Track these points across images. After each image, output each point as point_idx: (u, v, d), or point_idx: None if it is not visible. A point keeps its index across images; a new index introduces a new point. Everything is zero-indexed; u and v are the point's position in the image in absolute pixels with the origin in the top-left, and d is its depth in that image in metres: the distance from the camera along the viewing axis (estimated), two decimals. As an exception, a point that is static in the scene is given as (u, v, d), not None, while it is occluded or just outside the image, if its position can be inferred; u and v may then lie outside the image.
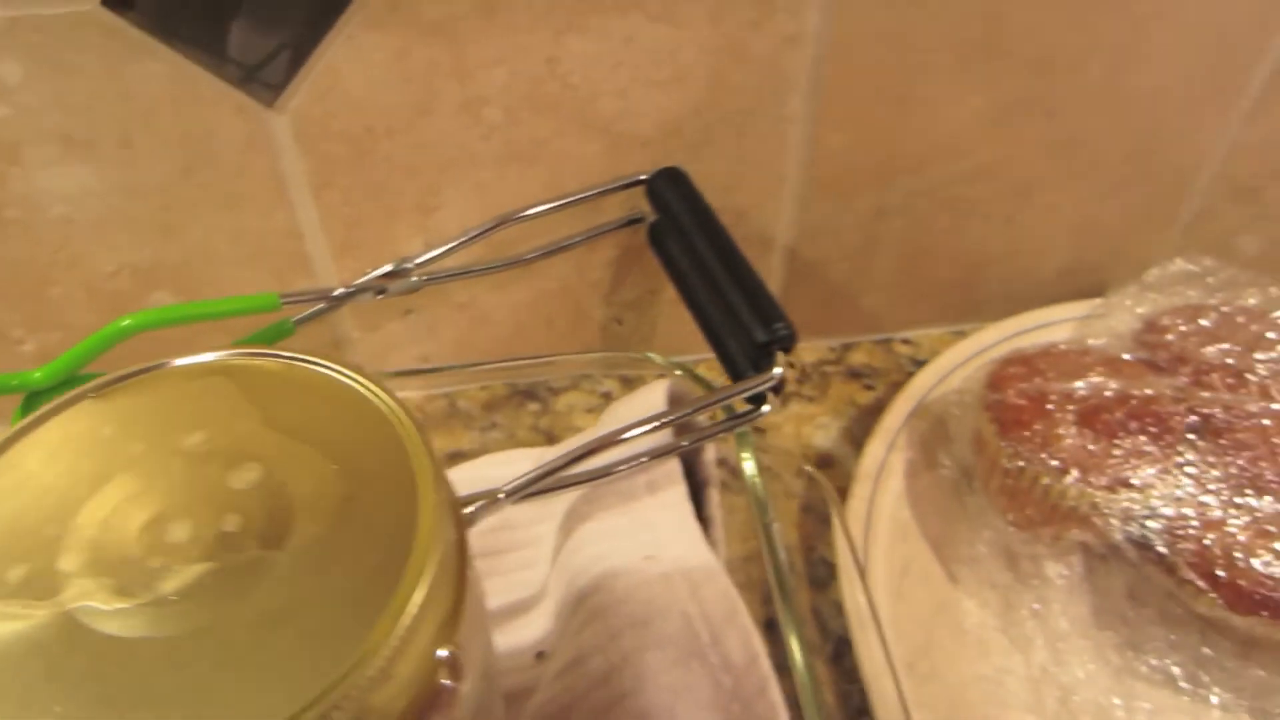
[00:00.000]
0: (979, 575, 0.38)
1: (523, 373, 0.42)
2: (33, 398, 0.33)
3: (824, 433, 0.44)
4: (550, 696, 0.31)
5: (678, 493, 0.33)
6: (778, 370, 0.32)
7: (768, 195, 0.41)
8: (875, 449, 0.40)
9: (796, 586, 0.37)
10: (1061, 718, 0.34)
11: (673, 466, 0.34)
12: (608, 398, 0.45)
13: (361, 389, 0.20)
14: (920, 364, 0.45)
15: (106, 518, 0.17)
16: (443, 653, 0.17)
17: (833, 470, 0.43)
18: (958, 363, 0.44)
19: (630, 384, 0.43)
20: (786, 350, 0.33)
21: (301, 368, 0.20)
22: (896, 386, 0.43)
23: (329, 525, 0.17)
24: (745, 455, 0.34)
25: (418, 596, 0.16)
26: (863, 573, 0.34)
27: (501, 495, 0.29)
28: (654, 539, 0.32)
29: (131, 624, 0.16)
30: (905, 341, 0.49)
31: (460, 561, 0.19)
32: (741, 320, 0.33)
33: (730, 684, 0.28)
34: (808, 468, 0.37)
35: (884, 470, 0.40)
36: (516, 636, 0.35)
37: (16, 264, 0.37)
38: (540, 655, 0.34)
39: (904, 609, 0.37)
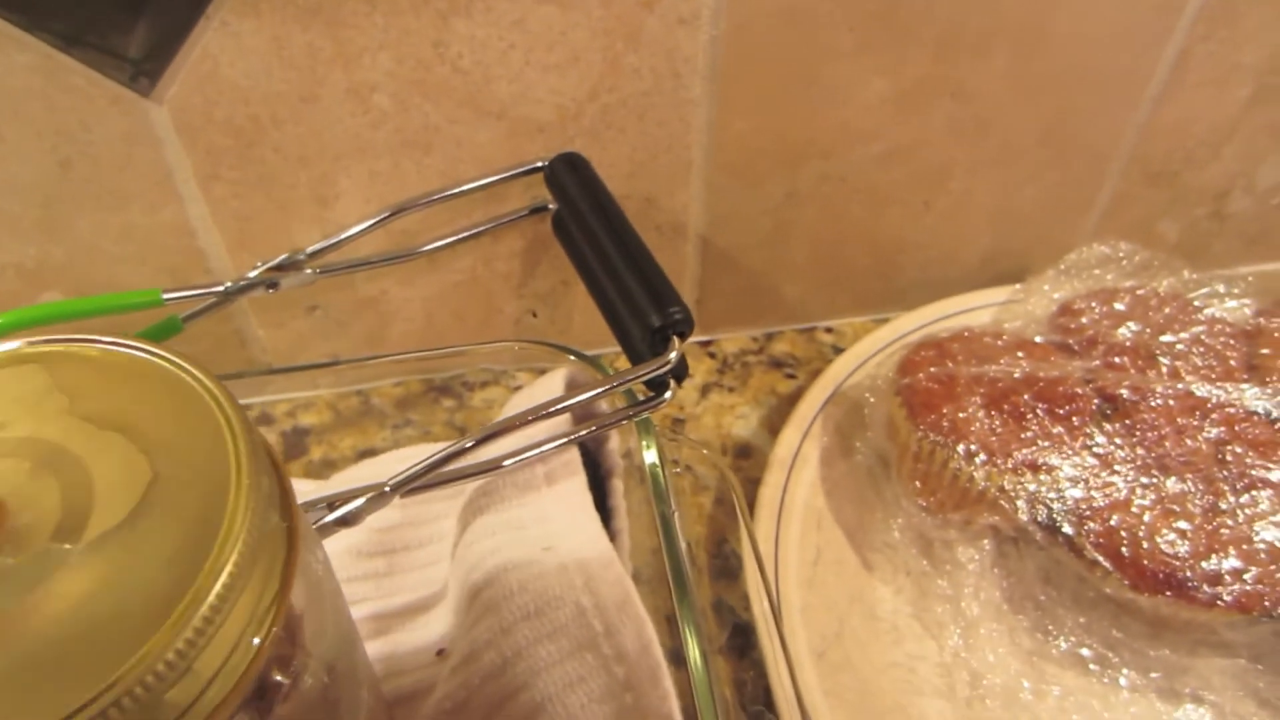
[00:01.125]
0: (893, 562, 0.37)
1: (429, 365, 0.41)
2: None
3: (744, 423, 0.44)
4: (447, 693, 0.30)
5: (576, 483, 0.33)
6: (673, 355, 0.31)
7: (675, 182, 0.40)
8: (790, 436, 0.40)
9: (698, 579, 0.37)
10: (972, 703, 0.33)
11: (572, 457, 0.33)
12: (524, 393, 0.44)
13: (186, 376, 0.19)
14: (842, 352, 0.45)
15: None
16: (255, 640, 0.16)
17: (751, 460, 0.42)
18: (875, 349, 0.44)
19: (545, 378, 0.42)
20: (683, 335, 0.32)
21: (121, 354, 0.19)
22: (818, 375, 0.43)
23: (133, 516, 0.16)
24: (646, 444, 0.33)
25: (218, 586, 0.15)
26: (762, 565, 0.34)
27: (387, 488, 0.29)
28: (550, 531, 0.31)
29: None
30: (828, 330, 0.49)
31: (290, 553, 0.18)
32: (638, 305, 0.32)
33: (623, 674, 0.28)
34: (705, 451, 0.36)
35: (798, 458, 0.39)
36: (419, 634, 0.34)
37: (-110, 264, 0.36)
38: (441, 653, 0.33)
39: (816, 597, 0.36)
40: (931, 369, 0.38)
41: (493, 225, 0.39)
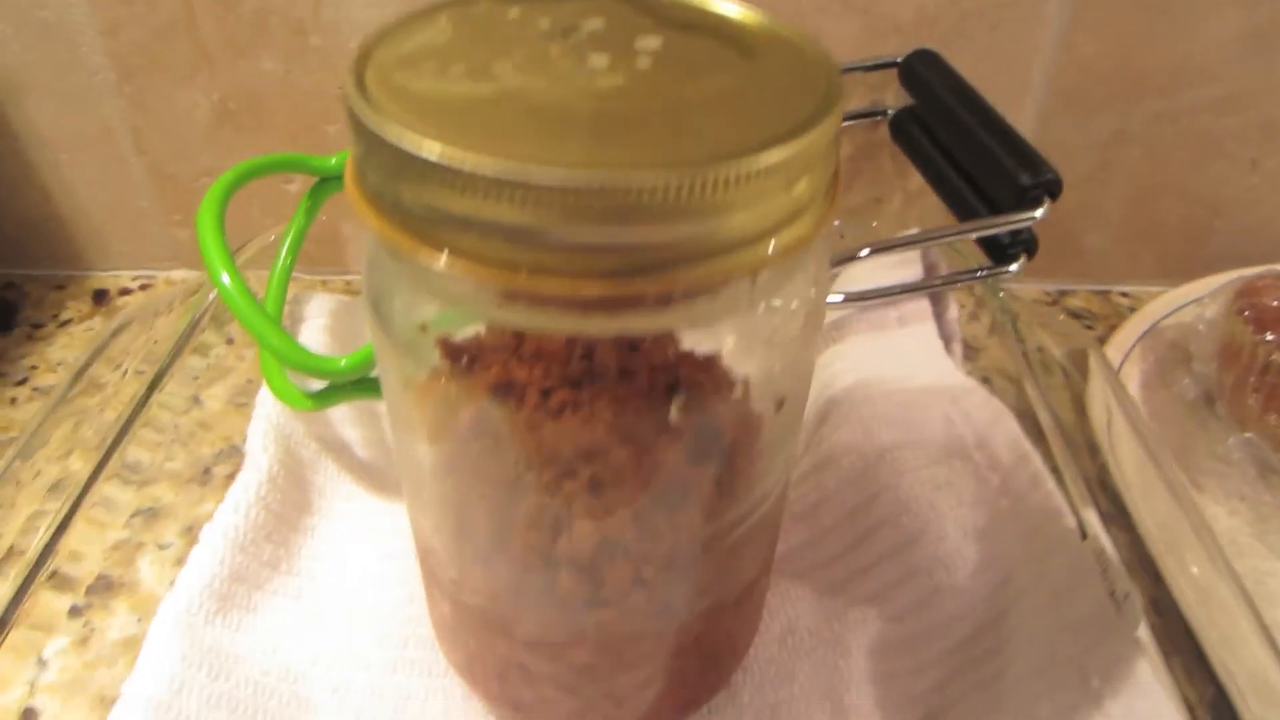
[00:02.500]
0: (1225, 485, 0.36)
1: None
2: (321, 184, 0.36)
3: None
4: (796, 496, 0.30)
5: (929, 328, 0.33)
6: (1039, 212, 0.32)
7: (1009, 103, 0.41)
8: (1109, 355, 0.39)
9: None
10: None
11: (923, 305, 0.34)
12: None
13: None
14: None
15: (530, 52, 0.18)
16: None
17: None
18: (1191, 298, 0.42)
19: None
20: (1054, 196, 0.32)
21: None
22: (1115, 330, 0.42)
23: (736, 80, 0.18)
24: (996, 302, 0.34)
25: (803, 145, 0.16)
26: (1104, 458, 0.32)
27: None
28: (906, 363, 0.32)
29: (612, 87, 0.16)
30: (1124, 294, 0.48)
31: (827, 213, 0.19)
32: (1005, 169, 0.33)
33: (997, 481, 0.28)
34: (1060, 318, 0.36)
35: (1120, 373, 0.38)
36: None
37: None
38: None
39: (1145, 509, 0.35)
40: (1274, 291, 0.36)
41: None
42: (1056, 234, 0.46)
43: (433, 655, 0.28)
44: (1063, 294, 0.48)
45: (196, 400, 0.39)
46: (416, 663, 0.28)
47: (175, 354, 0.35)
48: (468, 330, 0.20)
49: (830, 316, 0.35)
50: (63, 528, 0.29)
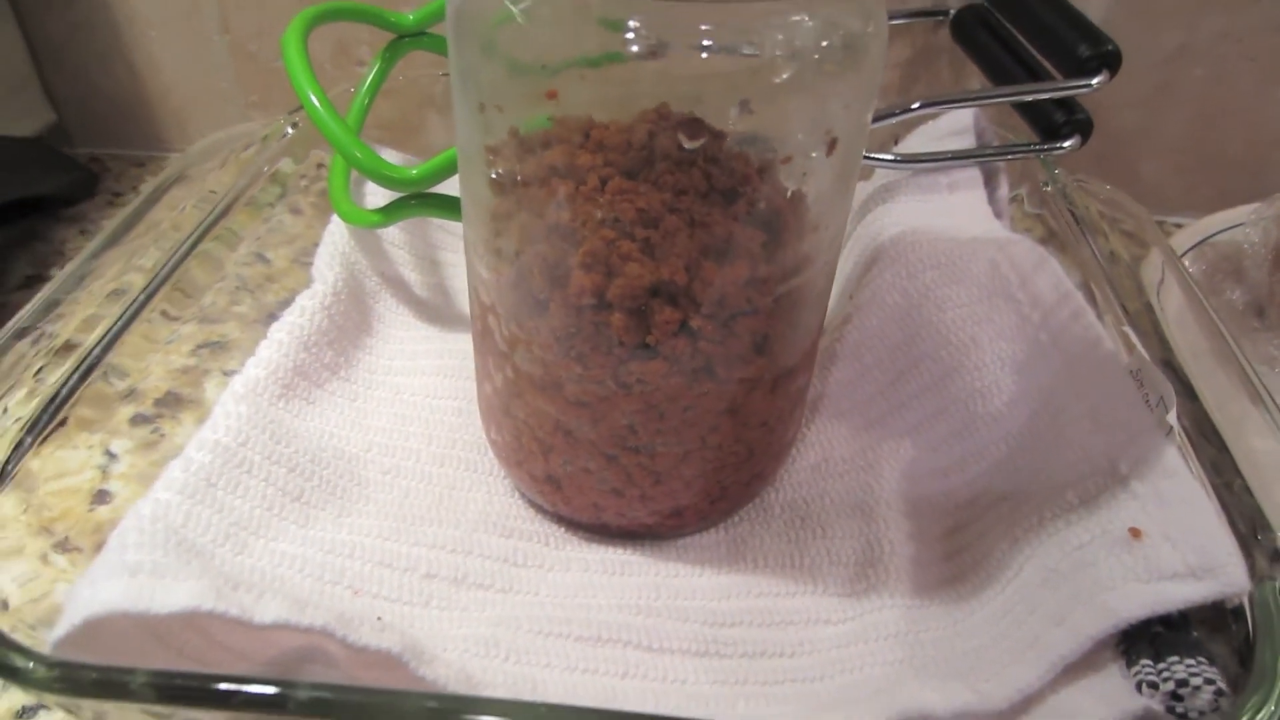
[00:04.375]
0: (1267, 384, 0.35)
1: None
2: (397, 42, 0.38)
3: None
4: (838, 337, 0.31)
5: (977, 194, 0.34)
6: (1096, 80, 0.32)
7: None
8: (1155, 258, 0.39)
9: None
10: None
11: (974, 175, 0.34)
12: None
13: None
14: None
15: None
16: None
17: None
18: (1244, 219, 0.42)
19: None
20: (1112, 69, 0.33)
21: None
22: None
23: None
24: (1048, 182, 0.34)
25: None
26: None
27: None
28: (953, 220, 0.32)
29: None
30: (1178, 226, 0.47)
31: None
32: (1065, 43, 0.33)
33: (1038, 318, 0.28)
34: (1107, 189, 0.36)
35: (1164, 282, 0.39)
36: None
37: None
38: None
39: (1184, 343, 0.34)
40: (1337, 198, 0.36)
41: (894, 19, 0.41)
42: (1112, 159, 0.46)
43: (479, 456, 0.29)
44: (1114, 222, 0.48)
45: (263, 257, 0.41)
46: (463, 460, 0.29)
47: (239, 194, 0.37)
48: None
49: (881, 179, 0.35)
50: (124, 329, 0.31)
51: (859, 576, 0.25)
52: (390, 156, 0.39)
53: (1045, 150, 0.34)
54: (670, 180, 0.21)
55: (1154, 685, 0.18)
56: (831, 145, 0.21)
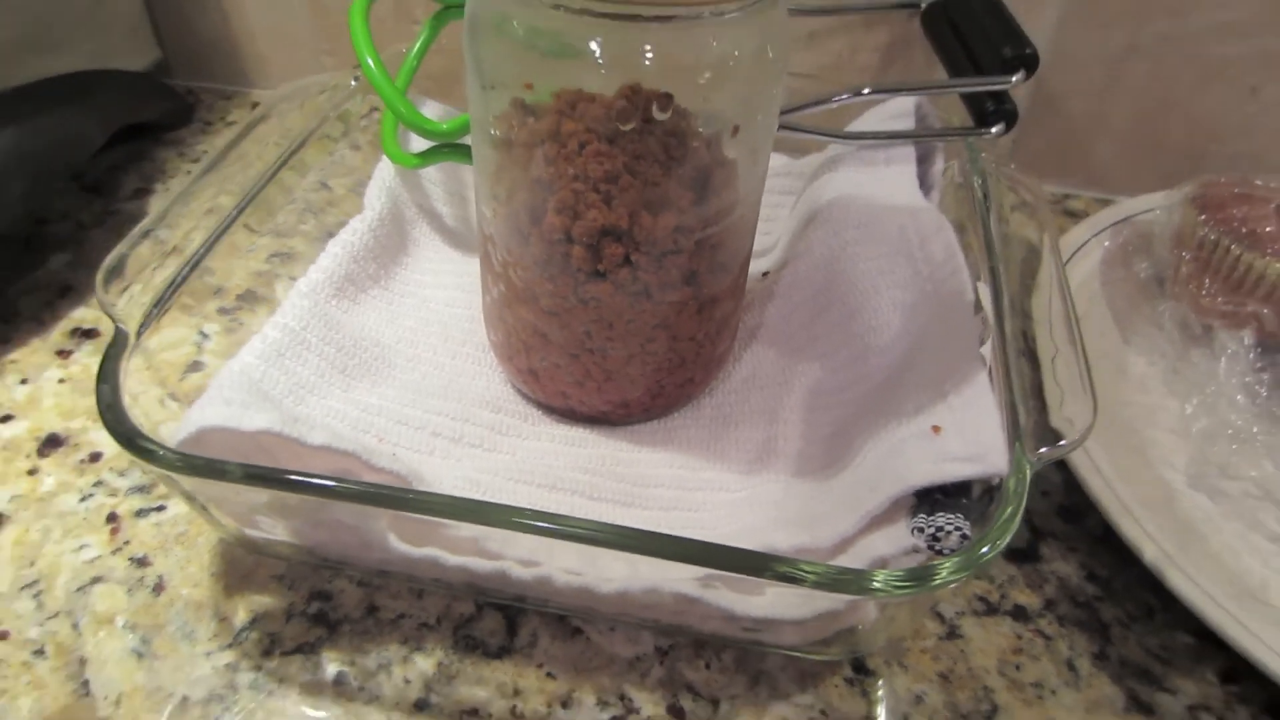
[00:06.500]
0: (1152, 343, 0.42)
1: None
2: (443, 11, 0.45)
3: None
4: (776, 279, 0.38)
5: (909, 169, 0.40)
6: (1014, 78, 0.39)
7: (1031, 8, 0.47)
8: (1079, 232, 0.46)
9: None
10: (1202, 445, 0.37)
11: (908, 152, 0.41)
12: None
13: None
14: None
15: None
16: None
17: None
18: (1168, 199, 0.48)
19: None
20: (1029, 68, 0.39)
21: None
22: None
23: None
24: (973, 164, 0.41)
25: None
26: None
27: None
28: (881, 189, 0.39)
29: None
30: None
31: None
32: (994, 44, 0.40)
33: (927, 272, 0.35)
34: (1024, 183, 0.42)
35: (1083, 250, 0.45)
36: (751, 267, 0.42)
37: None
38: (765, 275, 0.41)
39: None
40: (1228, 184, 0.42)
41: (865, 9, 0.48)
42: (1068, 145, 0.52)
43: (482, 354, 0.38)
44: (1067, 197, 0.54)
45: (326, 185, 0.49)
46: (470, 355, 0.38)
47: (310, 132, 0.45)
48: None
49: (828, 153, 0.42)
50: (216, 240, 0.38)
51: (756, 460, 0.33)
52: (432, 109, 0.47)
53: (974, 134, 0.40)
54: (634, 147, 0.29)
55: (922, 530, 0.26)
56: (735, 130, 0.28)
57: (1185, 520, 0.35)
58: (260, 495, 0.27)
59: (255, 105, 0.61)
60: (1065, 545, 0.35)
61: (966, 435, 0.27)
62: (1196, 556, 0.32)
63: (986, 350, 0.30)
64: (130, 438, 0.26)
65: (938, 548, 0.26)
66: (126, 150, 0.54)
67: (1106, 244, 0.46)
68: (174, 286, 0.34)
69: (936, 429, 0.28)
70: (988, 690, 0.31)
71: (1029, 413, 0.29)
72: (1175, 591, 0.31)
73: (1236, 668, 0.32)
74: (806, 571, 0.23)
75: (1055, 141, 0.52)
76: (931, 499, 0.27)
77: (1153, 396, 0.40)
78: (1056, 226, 0.38)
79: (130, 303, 0.32)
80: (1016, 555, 0.35)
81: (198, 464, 0.25)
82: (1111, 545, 0.35)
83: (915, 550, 0.26)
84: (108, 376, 0.27)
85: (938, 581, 0.23)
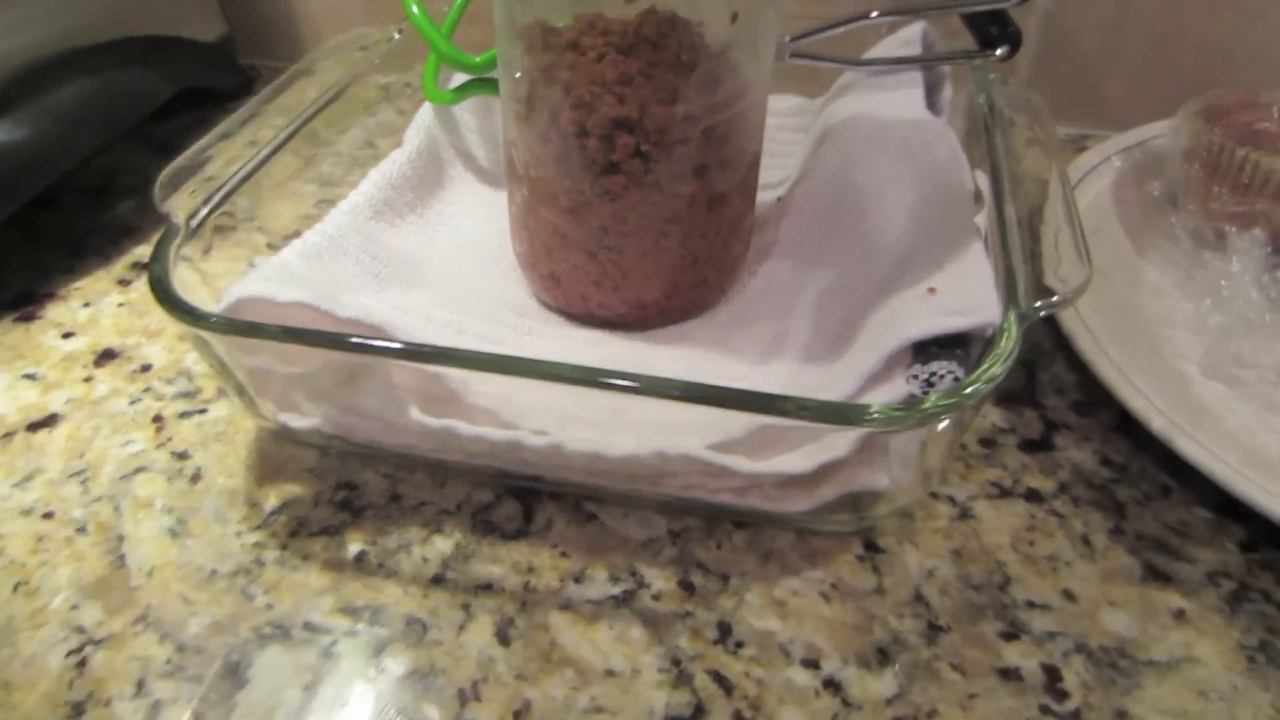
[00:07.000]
0: (1165, 254, 0.43)
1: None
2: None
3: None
4: (793, 195, 0.40)
5: (916, 93, 0.42)
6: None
7: (1038, -56, 0.49)
8: (1089, 157, 0.46)
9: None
10: (1217, 336, 0.38)
11: (915, 77, 0.42)
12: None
13: None
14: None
15: None
16: None
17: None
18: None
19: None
20: (1020, -2, 0.40)
21: None
22: None
23: None
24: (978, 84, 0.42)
25: None
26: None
27: (787, 38, 0.40)
28: (892, 111, 0.41)
29: None
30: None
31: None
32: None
33: (930, 174, 0.36)
34: (1030, 98, 0.43)
35: (1096, 171, 0.46)
36: (766, 195, 0.44)
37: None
38: (779, 199, 0.43)
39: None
40: (1234, 94, 0.43)
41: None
42: (1080, 80, 0.53)
43: (509, 271, 0.40)
44: (1084, 137, 0.55)
45: (371, 144, 0.52)
46: (498, 273, 0.40)
47: (348, 84, 0.47)
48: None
49: (840, 80, 0.44)
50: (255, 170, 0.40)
51: (766, 353, 0.35)
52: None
53: (979, 57, 0.42)
54: (649, 56, 0.31)
55: (916, 378, 0.27)
56: (734, 17, 0.30)
57: (1201, 404, 0.35)
58: (292, 367, 0.29)
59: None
60: (1080, 435, 0.36)
61: (961, 293, 0.29)
62: (1212, 432, 0.33)
63: (982, 219, 0.31)
64: (177, 303, 0.28)
65: (932, 394, 0.27)
66: (193, 116, 0.58)
67: (1118, 164, 0.46)
68: (224, 189, 0.35)
69: (932, 290, 0.29)
70: (1000, 564, 0.32)
71: (1024, 277, 0.30)
72: (1190, 459, 0.31)
73: (1255, 537, 0.32)
74: (806, 406, 0.25)
75: (1067, 81, 0.53)
76: (927, 352, 0.28)
77: (1168, 300, 0.41)
78: (1057, 132, 0.39)
79: (184, 200, 0.34)
80: (1030, 445, 0.36)
81: (239, 326, 0.28)
82: (1128, 433, 0.35)
83: (912, 398, 0.27)
84: (160, 257, 0.30)
85: (928, 407, 0.25)
